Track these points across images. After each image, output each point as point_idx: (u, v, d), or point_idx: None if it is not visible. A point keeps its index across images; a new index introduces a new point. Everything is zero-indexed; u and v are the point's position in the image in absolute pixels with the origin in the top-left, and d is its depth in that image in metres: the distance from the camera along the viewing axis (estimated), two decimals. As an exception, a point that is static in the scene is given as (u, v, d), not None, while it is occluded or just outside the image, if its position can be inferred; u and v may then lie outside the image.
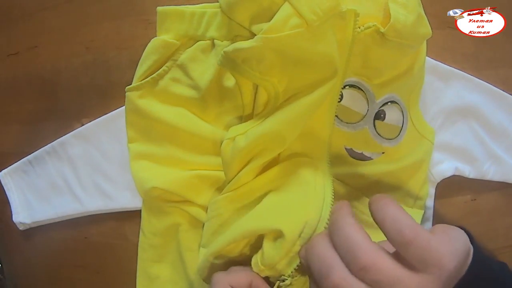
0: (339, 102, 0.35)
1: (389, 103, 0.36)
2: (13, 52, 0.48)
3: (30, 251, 0.47)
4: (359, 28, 0.32)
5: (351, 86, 0.35)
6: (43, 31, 0.47)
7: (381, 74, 0.35)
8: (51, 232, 0.45)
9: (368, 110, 0.35)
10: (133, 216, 0.42)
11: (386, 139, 0.37)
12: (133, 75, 0.38)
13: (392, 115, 0.37)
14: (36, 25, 0.48)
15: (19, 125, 0.48)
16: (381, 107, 0.36)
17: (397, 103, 0.37)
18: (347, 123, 0.35)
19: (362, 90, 0.35)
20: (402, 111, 0.37)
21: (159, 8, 0.37)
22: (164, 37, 0.36)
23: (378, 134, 0.36)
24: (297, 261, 0.30)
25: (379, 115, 0.36)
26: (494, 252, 0.43)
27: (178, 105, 0.37)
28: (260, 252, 0.31)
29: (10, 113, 0.48)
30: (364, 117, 0.36)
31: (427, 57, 0.38)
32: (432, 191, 0.40)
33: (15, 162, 0.45)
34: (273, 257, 0.30)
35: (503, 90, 0.41)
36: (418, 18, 0.33)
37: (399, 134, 0.37)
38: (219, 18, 0.34)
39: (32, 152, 0.45)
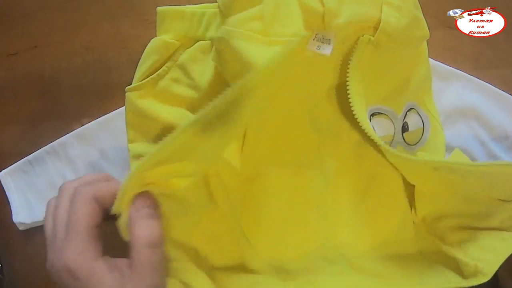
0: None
1: (407, 112, 0.37)
2: (13, 52, 0.48)
3: (30, 251, 0.47)
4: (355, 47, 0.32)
5: (374, 114, 0.35)
6: (43, 31, 0.47)
7: (382, 79, 0.35)
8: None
9: (395, 128, 0.36)
10: (133, 216, 0.41)
11: (415, 144, 0.37)
12: (133, 75, 0.38)
13: (412, 121, 0.37)
14: (36, 25, 0.48)
15: (19, 125, 0.48)
16: (403, 119, 0.37)
17: (414, 108, 0.37)
18: None
19: (384, 113, 0.36)
20: (418, 113, 0.38)
21: (159, 8, 0.37)
22: (164, 37, 0.36)
23: (408, 144, 0.37)
24: None
25: (404, 128, 0.37)
26: (494, 252, 0.43)
27: (178, 105, 0.37)
28: None
29: (10, 113, 0.48)
30: (393, 136, 0.36)
31: (427, 57, 0.38)
32: (432, 191, 0.41)
33: (15, 162, 0.45)
34: None
35: (503, 90, 0.41)
36: (413, 20, 0.33)
37: (422, 134, 0.38)
38: (219, 18, 0.34)
39: (32, 152, 0.45)
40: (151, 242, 0.26)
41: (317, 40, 0.33)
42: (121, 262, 0.27)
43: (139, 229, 0.26)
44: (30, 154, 0.45)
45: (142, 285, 0.26)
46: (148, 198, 0.27)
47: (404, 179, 0.38)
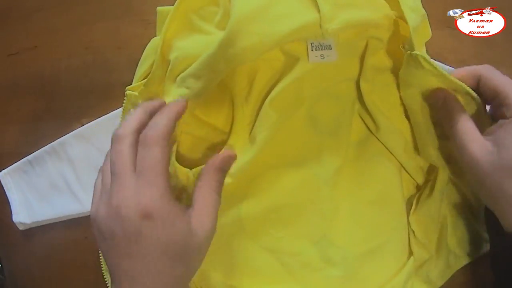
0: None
1: None
2: (13, 52, 0.48)
3: (30, 251, 0.47)
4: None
5: None
6: (43, 31, 0.48)
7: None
8: (51, 232, 0.45)
9: None
10: (133, 216, 0.41)
11: None
12: (133, 75, 0.38)
13: None
14: (36, 25, 0.48)
15: (19, 125, 0.48)
16: None
17: None
18: None
19: None
20: None
21: (159, 8, 0.37)
22: None
23: None
24: None
25: None
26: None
27: None
28: None
29: (10, 113, 0.48)
30: None
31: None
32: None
33: (15, 162, 0.45)
34: None
35: (503, 90, 0.41)
36: (423, 20, 0.33)
37: None
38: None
39: (32, 152, 0.45)
40: (219, 189, 0.31)
41: (315, 50, 0.34)
42: (187, 207, 0.30)
43: (214, 175, 0.31)
44: (30, 154, 0.45)
45: (205, 228, 0.30)
46: (233, 160, 0.33)
47: (403, 179, 0.38)
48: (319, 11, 0.30)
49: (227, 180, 0.35)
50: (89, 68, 0.46)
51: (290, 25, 0.30)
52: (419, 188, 0.39)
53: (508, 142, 0.28)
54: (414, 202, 0.38)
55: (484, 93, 0.31)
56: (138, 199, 0.27)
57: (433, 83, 0.31)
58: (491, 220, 0.32)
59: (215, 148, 0.37)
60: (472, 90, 0.31)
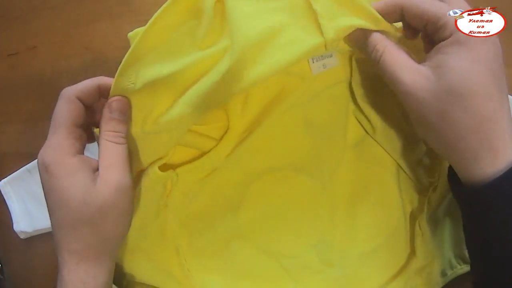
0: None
1: None
2: (13, 52, 0.49)
3: (30, 251, 0.47)
4: None
5: None
6: (42, 31, 0.48)
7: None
8: (51, 233, 0.45)
9: None
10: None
11: None
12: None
13: None
14: (36, 25, 0.48)
15: (19, 124, 0.48)
16: None
17: None
18: None
19: None
20: None
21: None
22: None
23: None
24: None
25: None
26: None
27: None
28: None
29: (9, 113, 0.48)
30: None
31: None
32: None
33: (15, 162, 0.45)
34: None
35: (503, 91, 0.41)
36: None
37: None
38: None
39: (32, 152, 0.45)
40: (117, 139, 0.28)
41: (316, 61, 0.33)
42: (95, 162, 0.28)
43: (107, 125, 0.28)
44: (29, 154, 0.45)
45: (109, 182, 0.27)
46: (123, 104, 0.28)
47: (400, 180, 0.38)
48: (322, 34, 0.28)
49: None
50: (89, 68, 0.46)
51: (296, 52, 0.28)
52: (420, 189, 0.39)
53: (449, 63, 0.25)
54: (426, 204, 0.37)
55: (413, 22, 0.28)
56: (41, 154, 0.28)
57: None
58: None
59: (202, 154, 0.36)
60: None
